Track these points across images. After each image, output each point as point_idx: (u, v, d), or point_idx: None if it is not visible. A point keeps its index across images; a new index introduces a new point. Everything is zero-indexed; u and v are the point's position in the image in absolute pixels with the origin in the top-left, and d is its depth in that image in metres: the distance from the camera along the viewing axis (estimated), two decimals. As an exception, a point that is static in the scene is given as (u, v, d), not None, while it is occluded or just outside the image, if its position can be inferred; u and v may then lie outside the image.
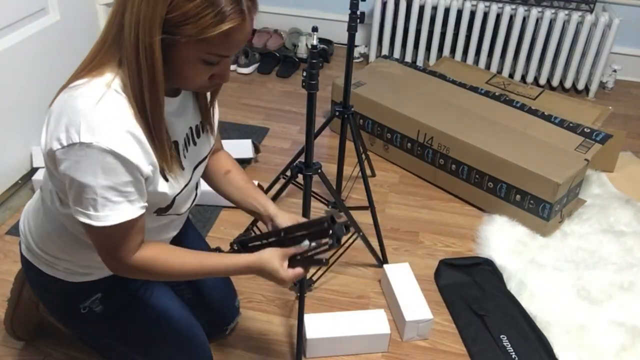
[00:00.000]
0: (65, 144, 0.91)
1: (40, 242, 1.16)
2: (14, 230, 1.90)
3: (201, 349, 1.35)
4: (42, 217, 1.15)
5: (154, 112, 0.96)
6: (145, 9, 0.88)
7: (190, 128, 1.14)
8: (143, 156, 0.96)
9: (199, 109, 1.16)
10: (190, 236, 1.47)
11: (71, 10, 2.22)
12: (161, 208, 1.10)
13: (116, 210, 0.96)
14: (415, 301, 1.63)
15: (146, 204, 1.01)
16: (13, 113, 2.00)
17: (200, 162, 1.20)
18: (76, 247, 1.13)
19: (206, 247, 1.53)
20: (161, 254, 1.08)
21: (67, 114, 0.92)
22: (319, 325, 1.54)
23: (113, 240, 1.00)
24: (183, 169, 1.11)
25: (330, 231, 1.11)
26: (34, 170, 2.09)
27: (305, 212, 1.54)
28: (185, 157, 1.12)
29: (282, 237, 1.19)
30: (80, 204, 0.95)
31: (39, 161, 2.09)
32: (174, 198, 1.10)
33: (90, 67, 0.96)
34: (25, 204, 1.99)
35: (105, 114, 0.92)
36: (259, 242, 1.22)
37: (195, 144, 1.16)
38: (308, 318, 1.54)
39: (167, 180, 1.04)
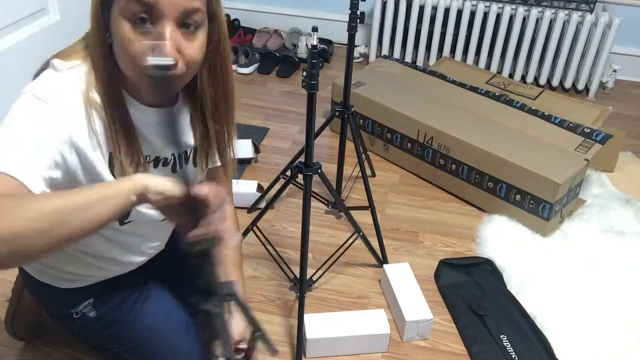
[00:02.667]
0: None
1: None
2: (14, 230, 1.90)
3: (199, 352, 1.35)
4: None
5: (112, 93, 0.93)
6: None
7: (185, 152, 1.11)
8: (84, 124, 0.91)
9: (198, 135, 1.08)
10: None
11: (71, 10, 2.22)
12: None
13: (5, 158, 0.80)
14: (415, 301, 1.63)
15: (42, 183, 0.84)
16: (13, 113, 2.00)
17: None
18: (60, 256, 1.12)
19: None
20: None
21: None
22: (319, 325, 1.54)
23: None
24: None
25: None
26: (34, 170, 2.09)
27: (305, 212, 1.54)
28: (156, 171, 1.07)
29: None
30: None
31: (39, 161, 2.09)
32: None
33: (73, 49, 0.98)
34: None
35: (60, 79, 0.91)
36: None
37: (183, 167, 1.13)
38: (308, 318, 1.54)
39: (114, 176, 0.97)
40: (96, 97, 0.93)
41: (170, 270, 1.39)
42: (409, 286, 1.68)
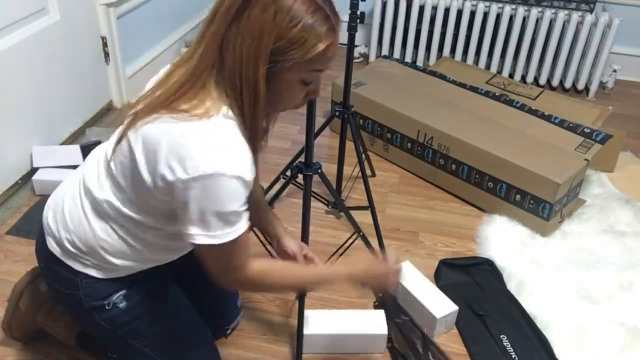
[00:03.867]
0: (184, 177, 0.95)
1: (77, 238, 1.14)
2: (14, 230, 1.90)
3: (211, 348, 1.38)
4: (89, 215, 1.14)
5: (255, 138, 1.04)
6: (250, 45, 0.94)
7: None
8: (252, 172, 1.02)
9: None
10: None
11: (71, 10, 2.22)
12: None
13: (234, 228, 1.01)
14: (435, 296, 1.61)
15: None
16: (13, 113, 2.00)
17: None
18: (124, 253, 1.15)
19: None
20: (272, 266, 1.17)
21: (181, 146, 0.95)
22: (318, 321, 1.53)
23: (229, 256, 1.05)
24: None
25: None
26: (34, 170, 2.09)
27: (305, 212, 1.54)
28: None
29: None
30: (199, 226, 0.99)
31: (39, 161, 2.09)
32: None
33: (185, 96, 0.99)
34: (24, 204, 2.01)
35: (220, 139, 0.97)
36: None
37: None
38: (307, 314, 1.54)
39: None
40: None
41: (185, 271, 1.40)
42: (421, 283, 1.65)
